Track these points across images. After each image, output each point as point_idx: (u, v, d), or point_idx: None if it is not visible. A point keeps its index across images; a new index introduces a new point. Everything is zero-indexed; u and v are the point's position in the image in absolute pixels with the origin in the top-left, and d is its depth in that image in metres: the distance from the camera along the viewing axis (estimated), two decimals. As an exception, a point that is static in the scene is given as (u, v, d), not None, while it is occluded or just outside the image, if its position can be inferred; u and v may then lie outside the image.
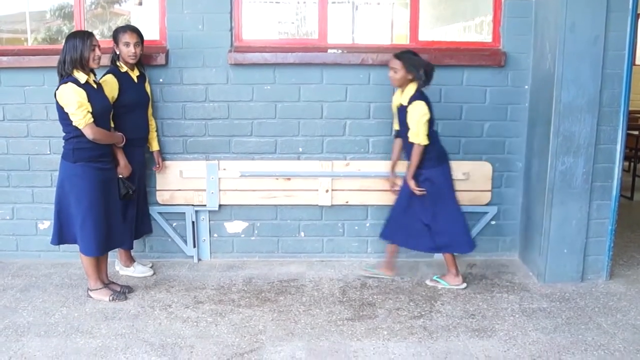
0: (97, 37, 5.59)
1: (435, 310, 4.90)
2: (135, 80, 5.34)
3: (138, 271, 5.63)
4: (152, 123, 5.65)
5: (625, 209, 7.68)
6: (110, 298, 5.00)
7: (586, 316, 4.80)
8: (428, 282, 5.46)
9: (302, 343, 4.35)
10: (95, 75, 4.91)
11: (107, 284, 5.18)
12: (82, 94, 4.63)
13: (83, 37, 4.71)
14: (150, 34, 5.59)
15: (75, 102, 4.60)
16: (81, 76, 4.69)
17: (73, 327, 4.59)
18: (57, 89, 4.69)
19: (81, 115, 4.62)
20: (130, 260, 5.66)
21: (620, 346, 4.31)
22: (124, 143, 5.08)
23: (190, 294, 5.22)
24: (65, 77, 4.68)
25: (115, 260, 5.67)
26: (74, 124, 4.66)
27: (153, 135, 5.66)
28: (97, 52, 4.75)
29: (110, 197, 4.96)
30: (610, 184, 5.37)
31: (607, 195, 5.39)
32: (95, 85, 4.83)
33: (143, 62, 5.43)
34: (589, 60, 5.10)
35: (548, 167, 5.30)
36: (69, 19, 5.92)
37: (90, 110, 4.68)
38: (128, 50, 5.19)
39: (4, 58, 5.63)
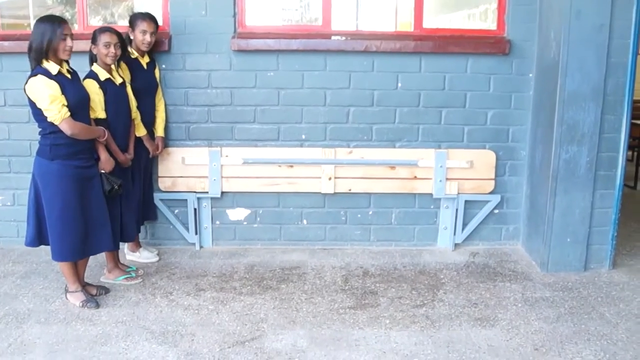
0: (99, 23, 5.58)
1: (438, 299, 4.88)
2: (145, 67, 5.34)
3: (144, 257, 5.64)
4: (160, 108, 5.63)
5: (629, 198, 7.66)
6: (80, 304, 4.68)
7: (589, 306, 4.79)
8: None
9: (303, 331, 4.34)
10: (68, 63, 4.56)
11: (83, 286, 4.85)
12: (54, 86, 4.24)
13: (53, 23, 4.28)
14: (153, 19, 5.56)
15: (47, 96, 4.20)
16: (52, 67, 4.31)
17: (73, 314, 4.58)
18: (25, 83, 4.31)
19: (56, 110, 4.23)
20: (137, 245, 5.67)
21: (623, 336, 4.30)
22: (105, 137, 4.69)
23: (192, 281, 5.21)
24: (35, 67, 4.31)
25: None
26: (49, 119, 4.27)
27: (158, 120, 5.62)
28: (69, 42, 4.33)
29: (90, 197, 4.60)
30: (614, 173, 5.34)
31: (611, 185, 5.36)
32: (69, 75, 4.46)
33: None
34: (594, 49, 5.07)
35: (552, 156, 5.27)
36: (72, 4, 5.87)
37: (66, 104, 4.30)
38: (144, 38, 5.20)
39: (5, 43, 5.62)
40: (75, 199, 4.50)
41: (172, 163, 5.80)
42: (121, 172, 4.98)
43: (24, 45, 5.48)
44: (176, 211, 5.97)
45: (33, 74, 4.28)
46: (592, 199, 5.34)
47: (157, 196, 5.84)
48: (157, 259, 5.68)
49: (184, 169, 5.80)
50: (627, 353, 4.07)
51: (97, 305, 4.71)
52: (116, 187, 4.74)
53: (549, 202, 5.37)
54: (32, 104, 4.33)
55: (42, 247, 4.69)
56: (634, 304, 4.84)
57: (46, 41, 4.25)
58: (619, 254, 5.75)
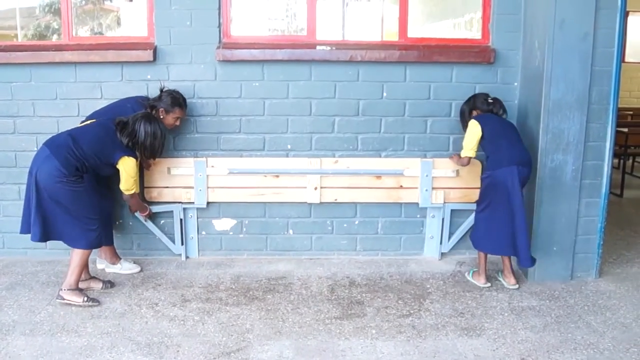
0: (87, 33, 5.58)
1: (424, 309, 4.87)
2: None
3: (125, 268, 5.59)
4: None
5: (615, 206, 7.69)
6: (84, 299, 4.86)
7: (575, 314, 4.79)
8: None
9: (289, 342, 4.32)
10: None
11: (90, 278, 5.26)
12: (137, 171, 5.09)
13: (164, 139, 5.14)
14: (138, 30, 5.55)
15: (133, 176, 5.03)
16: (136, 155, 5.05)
17: (59, 325, 4.55)
18: (123, 155, 4.90)
19: (132, 184, 5.08)
20: (117, 257, 5.63)
21: (609, 345, 4.30)
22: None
23: (178, 292, 5.19)
24: (129, 149, 4.93)
25: (96, 259, 5.65)
26: (121, 186, 5.06)
27: None
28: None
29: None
30: (600, 181, 5.36)
31: (597, 193, 5.38)
32: None
33: (130, 59, 5.39)
34: (578, 58, 5.09)
35: (537, 165, 5.28)
36: (59, 14, 5.85)
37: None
38: (175, 123, 5.43)
39: (-9, 54, 5.59)
40: (95, 195, 4.98)
41: (157, 174, 5.77)
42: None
43: (8, 57, 5.56)
44: (162, 222, 5.94)
45: (131, 155, 4.97)
46: (578, 207, 5.35)
47: (143, 207, 5.81)
48: (138, 269, 5.64)
49: (169, 180, 5.78)
50: (613, 361, 4.08)
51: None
52: None
53: (535, 211, 5.37)
54: (111, 160, 4.94)
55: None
56: (621, 312, 4.85)
57: (153, 146, 5.07)
58: (605, 262, 5.76)
